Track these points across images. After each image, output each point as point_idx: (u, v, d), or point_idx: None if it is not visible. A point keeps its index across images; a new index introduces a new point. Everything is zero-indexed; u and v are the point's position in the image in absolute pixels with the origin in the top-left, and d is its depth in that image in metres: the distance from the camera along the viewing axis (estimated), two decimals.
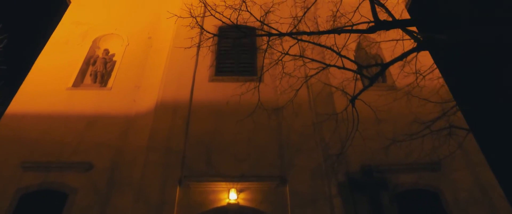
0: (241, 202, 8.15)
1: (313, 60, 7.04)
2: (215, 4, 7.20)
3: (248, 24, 6.98)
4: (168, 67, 10.94)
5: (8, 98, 10.55)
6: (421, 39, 5.93)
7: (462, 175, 8.76)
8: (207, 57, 10.51)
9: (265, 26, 6.92)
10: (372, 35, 9.31)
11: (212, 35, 6.96)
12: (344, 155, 8.24)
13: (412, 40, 6.85)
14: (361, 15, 6.69)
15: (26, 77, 11.14)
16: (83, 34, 12.71)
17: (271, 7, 7.24)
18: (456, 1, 5.23)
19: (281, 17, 7.56)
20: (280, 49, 6.83)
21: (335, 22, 7.23)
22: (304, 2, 7.36)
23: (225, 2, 7.16)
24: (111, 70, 11.66)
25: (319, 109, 9.69)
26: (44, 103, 10.30)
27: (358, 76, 7.40)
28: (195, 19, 6.92)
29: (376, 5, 6.12)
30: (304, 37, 6.72)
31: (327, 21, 7.61)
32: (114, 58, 12.13)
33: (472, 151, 9.06)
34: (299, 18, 6.89)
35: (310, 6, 7.08)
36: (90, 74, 11.50)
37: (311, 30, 6.45)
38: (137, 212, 7.80)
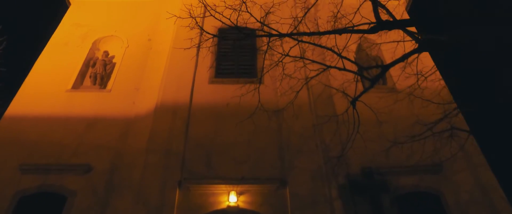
0: (241, 204, 8.10)
1: (313, 61, 7.01)
2: (214, 5, 7.17)
3: (248, 25, 6.96)
4: (168, 69, 10.93)
5: (8, 100, 10.51)
6: (422, 40, 5.90)
7: (463, 177, 8.71)
8: (207, 59, 10.49)
9: (265, 27, 6.89)
10: (372, 37, 9.29)
11: (211, 36, 6.93)
12: (345, 157, 8.20)
13: (413, 42, 6.83)
14: (362, 16, 6.67)
15: (26, 79, 11.11)
16: (83, 36, 12.69)
17: (271, 7, 7.21)
18: (457, 2, 5.21)
19: (281, 18, 7.53)
20: (280, 50, 6.80)
21: (336, 23, 7.21)
22: (304, 3, 7.34)
23: (225, 2, 7.14)
24: (111, 72, 11.64)
25: (319, 111, 9.66)
26: (43, 105, 10.26)
27: (359, 78, 7.37)
28: (195, 20, 6.89)
29: (373, 10, 6.09)
30: (305, 38, 6.69)
31: (328, 21, 7.59)
32: (113, 60, 12.10)
33: (473, 152, 9.01)
34: (299, 19, 6.86)
35: (311, 7, 7.05)
36: (90, 76, 11.47)
37: (312, 31, 6.42)
38: None
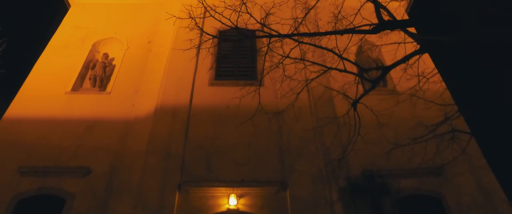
0: (241, 207, 8.05)
1: (314, 63, 6.97)
2: (214, 5, 7.16)
3: (248, 26, 6.93)
4: (167, 71, 10.91)
5: (7, 102, 10.47)
6: (424, 41, 5.87)
7: (464, 179, 8.65)
8: (207, 61, 10.48)
9: (265, 28, 6.86)
10: (373, 39, 9.27)
11: (211, 37, 6.90)
12: (345, 160, 8.15)
13: (414, 44, 6.81)
14: (363, 18, 6.65)
15: (25, 81, 11.08)
16: (83, 38, 12.68)
17: (272, 7, 7.18)
18: (457, 3, 5.18)
19: (282, 18, 7.51)
20: (280, 52, 6.77)
21: (337, 25, 7.18)
22: (305, 3, 7.32)
23: (225, 2, 7.11)
24: (111, 74, 11.61)
25: (319, 113, 9.62)
26: (42, 107, 10.22)
27: (359, 79, 7.34)
28: (194, 20, 6.86)
29: (375, 10, 6.06)
30: (305, 39, 6.67)
31: (328, 22, 7.56)
32: (113, 62, 12.09)
33: (474, 155, 8.95)
34: (299, 20, 6.83)
35: (311, 8, 7.01)
36: (89, 79, 11.44)
37: (313, 32, 6.38)
38: None
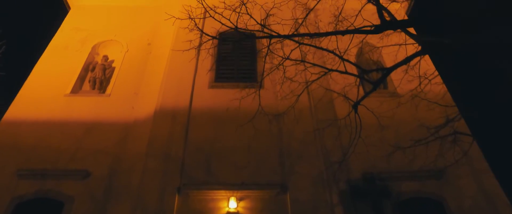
0: (241, 210, 7.99)
1: (314, 65, 6.94)
2: (214, 6, 7.13)
3: (248, 27, 6.90)
4: (167, 74, 10.87)
5: (7, 104, 10.43)
6: (425, 42, 5.84)
7: (466, 182, 8.59)
8: (207, 64, 10.44)
9: (265, 30, 6.84)
10: (373, 41, 9.24)
11: (210, 38, 6.87)
12: (346, 162, 8.13)
13: (414, 46, 6.77)
14: (364, 19, 6.62)
15: (24, 83, 11.04)
16: (83, 40, 12.65)
17: (272, 8, 7.14)
18: (458, 4, 5.15)
19: (282, 19, 7.48)
20: (280, 53, 6.74)
21: (337, 26, 7.15)
22: (305, 4, 7.29)
23: (224, 3, 7.08)
24: (110, 76, 11.58)
25: (320, 115, 9.58)
26: (41, 110, 10.17)
27: (360, 81, 7.31)
28: (194, 21, 6.83)
29: (377, 10, 6.03)
30: (306, 40, 6.64)
31: (329, 23, 7.53)
32: (113, 65, 12.05)
33: (476, 157, 8.89)
34: (300, 22, 6.81)
35: (312, 8, 6.99)
36: (89, 81, 11.39)
37: (314, 32, 6.35)
38: None
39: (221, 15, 6.72)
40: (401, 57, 6.77)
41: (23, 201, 8.17)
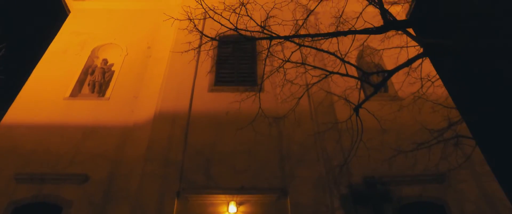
0: None
1: (315, 67, 6.90)
2: (214, 6, 7.09)
3: (248, 28, 6.85)
4: (167, 77, 10.84)
5: (6, 108, 10.37)
6: (427, 44, 5.80)
7: (467, 186, 8.52)
8: (206, 67, 10.39)
9: (266, 31, 6.79)
10: (374, 44, 9.19)
11: (210, 39, 6.83)
12: (347, 166, 8.06)
13: (416, 48, 6.74)
14: (365, 21, 6.58)
15: (24, 86, 11.00)
16: (82, 43, 12.64)
17: (273, 8, 7.10)
18: (459, 5, 5.12)
19: (283, 20, 7.44)
20: (281, 56, 6.70)
21: (338, 28, 7.11)
22: (306, 6, 7.26)
23: (224, 3, 7.05)
24: (110, 80, 11.54)
25: (320, 118, 9.53)
26: (40, 113, 10.12)
27: (361, 84, 7.26)
28: (193, 22, 6.80)
29: (380, 10, 6.00)
30: (306, 43, 6.59)
31: (330, 25, 7.49)
32: (112, 68, 12.03)
33: (478, 161, 8.81)
34: (300, 24, 6.77)
35: (313, 10, 6.95)
36: (88, 84, 11.37)
37: (315, 33, 6.30)
38: None
39: (221, 15, 6.68)
40: (402, 60, 6.74)
41: (21, 206, 8.08)
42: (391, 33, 7.16)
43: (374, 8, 6.46)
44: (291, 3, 8.25)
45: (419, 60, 6.21)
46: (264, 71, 7.05)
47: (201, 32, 7.08)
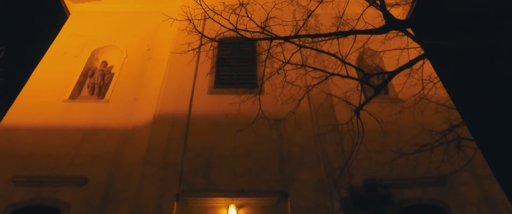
0: None
1: (316, 69, 6.86)
2: (213, 6, 7.06)
3: (248, 29, 6.82)
4: (166, 80, 10.81)
5: (5, 110, 10.32)
6: (429, 45, 5.76)
7: (469, 189, 8.46)
8: (206, 68, 10.35)
9: (266, 31, 6.76)
10: (375, 46, 9.16)
11: (209, 39, 6.79)
12: (347, 169, 8.02)
13: (417, 50, 6.70)
14: (365, 22, 6.55)
15: (23, 88, 10.96)
16: (82, 46, 12.60)
17: (273, 8, 7.07)
18: (459, 7, 5.09)
19: (283, 20, 7.40)
20: (281, 57, 6.67)
21: (339, 29, 7.08)
22: (306, 6, 7.24)
23: (224, 4, 7.02)
24: (109, 82, 11.49)
25: (321, 121, 9.48)
26: (39, 115, 10.07)
27: (361, 86, 7.22)
28: (192, 23, 6.77)
29: (380, 11, 5.97)
30: (307, 44, 6.56)
31: (331, 26, 7.46)
32: (112, 70, 11.98)
33: (479, 164, 8.76)
34: (300, 25, 6.75)
35: (313, 10, 6.92)
36: (88, 87, 11.32)
37: (316, 33, 6.27)
38: None
39: (221, 15, 6.65)
40: (403, 62, 6.70)
41: (19, 209, 8.00)
42: (391, 34, 7.13)
43: (375, 10, 6.43)
44: (291, 4, 8.22)
45: (420, 62, 6.18)
46: (264, 73, 7.01)
47: (201, 33, 7.05)
